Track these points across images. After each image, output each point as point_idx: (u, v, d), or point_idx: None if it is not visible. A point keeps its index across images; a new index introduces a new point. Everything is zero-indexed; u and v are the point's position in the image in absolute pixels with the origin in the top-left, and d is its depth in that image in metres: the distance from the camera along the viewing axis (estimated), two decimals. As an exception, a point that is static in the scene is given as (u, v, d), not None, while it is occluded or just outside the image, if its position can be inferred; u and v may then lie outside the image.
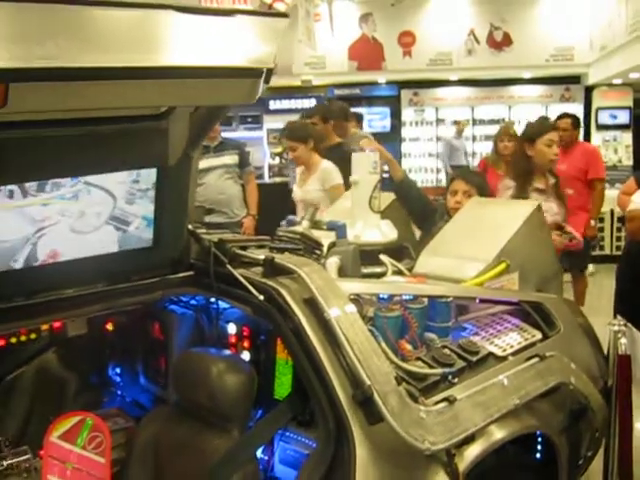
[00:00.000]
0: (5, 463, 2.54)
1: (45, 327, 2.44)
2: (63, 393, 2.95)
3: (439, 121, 14.08)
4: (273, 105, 14.19)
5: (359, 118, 8.74)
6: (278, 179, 13.02)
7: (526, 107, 13.60)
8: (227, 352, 2.53)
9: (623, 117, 12.95)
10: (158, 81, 1.52)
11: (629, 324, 3.05)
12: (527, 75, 13.77)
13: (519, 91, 14.09)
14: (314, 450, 2.14)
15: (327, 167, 5.22)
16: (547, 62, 13.29)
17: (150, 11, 1.47)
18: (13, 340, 2.40)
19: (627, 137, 12.84)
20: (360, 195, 3.27)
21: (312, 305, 2.20)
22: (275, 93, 14.05)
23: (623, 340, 2.96)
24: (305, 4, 9.79)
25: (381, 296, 2.55)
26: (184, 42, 1.56)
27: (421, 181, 13.43)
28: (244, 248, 2.54)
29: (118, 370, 3.16)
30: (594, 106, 13.44)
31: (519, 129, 9.75)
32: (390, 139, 13.70)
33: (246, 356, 2.57)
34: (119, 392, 3.16)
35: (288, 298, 2.21)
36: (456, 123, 13.09)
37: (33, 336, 2.42)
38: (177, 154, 2.07)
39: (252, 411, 2.37)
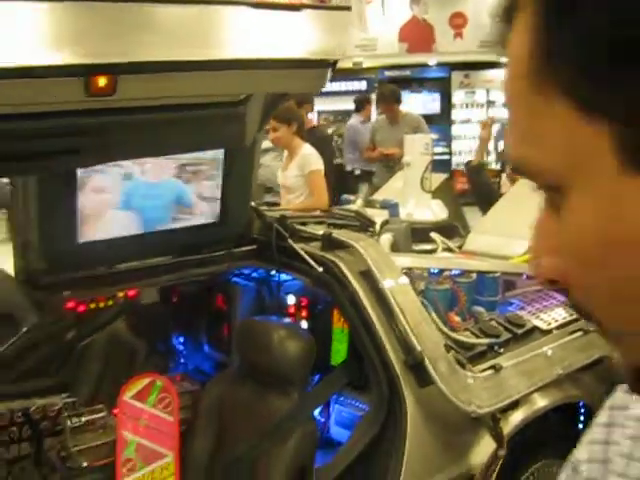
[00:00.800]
0: (83, 419, 2.76)
1: (121, 295, 2.64)
2: (132, 359, 3.14)
3: (490, 103, 14.02)
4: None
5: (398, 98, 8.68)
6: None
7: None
8: (287, 320, 2.71)
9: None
10: (237, 71, 1.71)
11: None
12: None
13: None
14: (368, 411, 2.31)
15: (307, 153, 5.05)
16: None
17: (227, 7, 1.64)
18: (92, 306, 2.60)
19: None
20: (412, 175, 3.43)
21: (367, 277, 2.36)
22: (326, 76, 14.20)
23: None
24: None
25: (431, 270, 2.70)
26: (258, 36, 1.73)
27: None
28: (304, 224, 2.71)
29: (182, 339, 3.36)
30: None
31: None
32: (440, 121, 13.76)
33: (304, 325, 2.74)
34: (182, 360, 3.37)
35: (345, 270, 2.37)
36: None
37: (110, 302, 2.63)
38: (251, 136, 2.25)
39: (310, 376, 2.54)
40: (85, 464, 2.67)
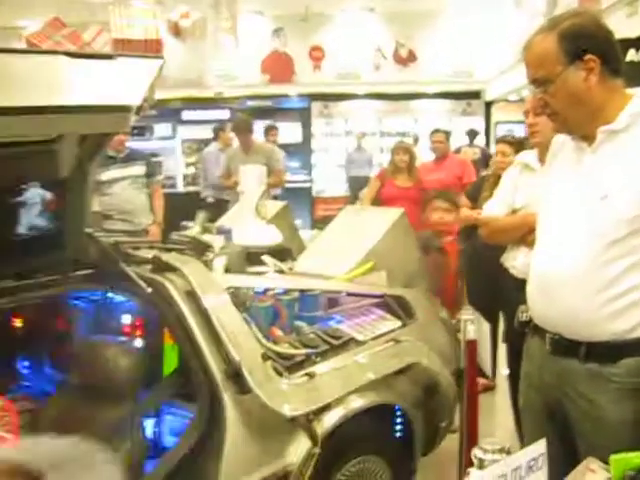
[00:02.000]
0: None
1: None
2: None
3: (348, 133, 14.62)
4: (186, 116, 14.48)
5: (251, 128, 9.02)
6: (192, 188, 13.30)
7: (431, 119, 14.21)
8: (121, 339, 2.89)
9: (518, 131, 13.75)
10: (48, 116, 1.92)
11: (477, 313, 3.55)
12: (431, 90, 14.49)
13: (424, 105, 14.79)
14: (192, 417, 2.53)
15: None
16: (449, 78, 14.05)
17: (43, 56, 1.84)
18: None
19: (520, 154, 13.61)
20: (247, 203, 3.69)
21: (192, 296, 2.59)
22: (188, 104, 14.36)
23: (470, 327, 3.45)
24: (215, 19, 10.20)
25: (256, 289, 2.97)
26: (69, 83, 1.95)
27: (330, 191, 13.92)
28: (136, 249, 2.91)
29: (26, 363, 3.46)
30: (493, 120, 14.28)
31: (422, 140, 10.37)
32: (301, 150, 14.22)
33: (139, 342, 2.93)
34: (26, 384, 3.46)
35: (172, 290, 2.60)
36: (357, 136, 13.53)
37: None
38: (68, 169, 2.45)
39: (144, 388, 2.73)
40: None
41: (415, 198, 6.62)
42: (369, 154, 13.29)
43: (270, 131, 9.83)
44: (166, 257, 2.75)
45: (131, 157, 6.45)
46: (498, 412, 4.76)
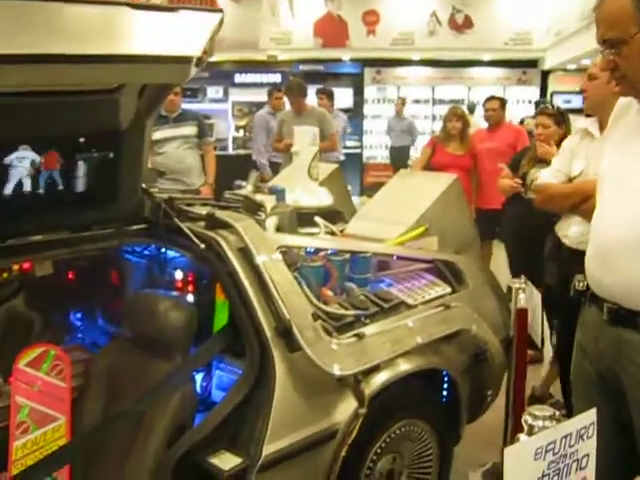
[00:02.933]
0: (-22, 387, 2.92)
1: (16, 267, 2.80)
2: (28, 332, 3.30)
3: (404, 100, 14.44)
4: (239, 78, 14.51)
5: (330, 95, 9.00)
6: (242, 151, 13.35)
7: (485, 88, 13.97)
8: (173, 293, 2.93)
9: (576, 102, 13.46)
10: (112, 65, 1.94)
11: (529, 282, 3.51)
12: (486, 58, 14.25)
13: (478, 73, 14.57)
14: (242, 373, 2.56)
15: None
16: (506, 45, 13.79)
17: (107, 7, 1.86)
18: (-13, 277, 2.76)
19: (579, 121, 13.33)
20: (300, 164, 3.68)
21: (245, 253, 2.61)
22: (241, 67, 14.37)
23: (522, 295, 3.41)
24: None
25: (308, 249, 2.97)
26: (132, 33, 1.96)
27: (380, 157, 13.84)
28: (190, 205, 2.93)
29: (79, 315, 3.53)
30: (550, 90, 13.99)
31: (479, 110, 10.21)
32: (352, 116, 14.13)
33: (190, 298, 2.96)
34: (79, 335, 3.54)
35: (225, 247, 2.61)
36: (395, 103, 13.33)
37: (5, 275, 2.79)
38: (127, 120, 2.47)
39: (194, 343, 2.76)
40: (-21, 427, 2.82)
41: (467, 166, 6.55)
42: (409, 122, 12.98)
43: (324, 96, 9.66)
44: (220, 214, 2.77)
45: (183, 117, 6.50)
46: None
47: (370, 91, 14.67)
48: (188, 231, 2.69)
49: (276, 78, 14.06)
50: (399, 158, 12.50)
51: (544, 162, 4.97)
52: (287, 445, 2.48)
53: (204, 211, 2.82)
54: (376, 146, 14.38)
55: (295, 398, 2.53)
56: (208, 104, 13.99)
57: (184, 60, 2.06)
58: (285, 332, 2.49)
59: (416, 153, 12.37)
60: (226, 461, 2.40)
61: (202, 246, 2.64)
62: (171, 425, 2.50)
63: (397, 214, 3.54)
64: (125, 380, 2.74)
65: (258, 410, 2.46)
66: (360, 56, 14.46)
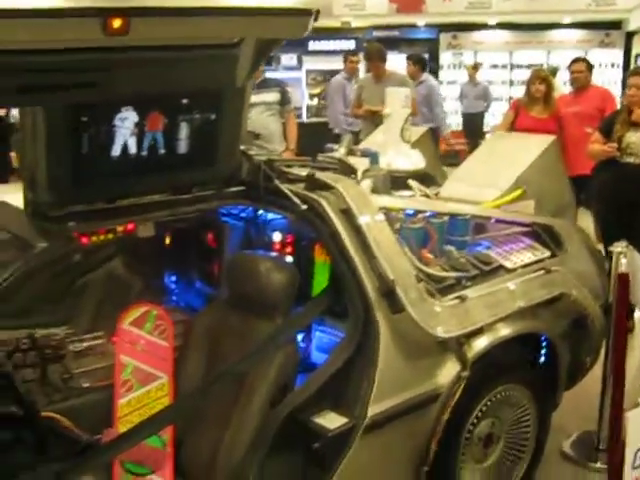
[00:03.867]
0: (85, 344, 3.00)
1: (120, 229, 2.85)
2: (127, 294, 3.36)
3: (478, 65, 14.13)
4: (312, 46, 14.43)
5: (417, 61, 8.78)
6: (315, 119, 13.33)
7: (565, 52, 13.56)
8: (273, 254, 2.94)
9: (663, 64, 12.95)
10: (231, 17, 1.93)
11: (630, 246, 3.40)
12: (566, 20, 13.79)
13: (558, 36, 14.13)
14: (345, 334, 2.55)
15: None
16: (588, 6, 13.27)
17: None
18: (94, 239, 2.80)
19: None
20: (392, 126, 3.64)
21: (347, 214, 2.59)
22: (314, 34, 14.26)
23: (623, 260, 3.31)
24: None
25: (407, 212, 2.93)
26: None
27: (456, 125, 13.59)
28: (289, 167, 2.93)
29: (174, 278, 3.58)
30: (634, 52, 13.47)
31: (560, 74, 9.87)
32: (427, 82, 13.89)
33: (289, 260, 2.97)
34: (174, 297, 3.59)
35: (327, 208, 2.60)
36: (467, 68, 13.00)
37: (110, 236, 2.83)
38: (243, 78, 2.47)
39: (294, 306, 2.77)
40: (86, 385, 2.90)
41: (551, 130, 6.36)
42: (483, 87, 12.62)
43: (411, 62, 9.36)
44: (320, 175, 2.75)
45: (266, 84, 6.52)
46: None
47: (446, 57, 14.42)
48: (289, 192, 2.68)
49: (350, 45, 13.94)
50: (473, 124, 12.29)
51: (639, 125, 4.82)
52: (391, 407, 2.47)
53: (303, 172, 2.80)
54: (451, 113, 14.09)
55: (398, 360, 2.52)
56: (282, 72, 13.97)
57: (305, 13, 2.04)
58: (389, 293, 2.48)
59: (494, 119, 12.15)
60: (331, 420, 2.41)
61: (303, 207, 2.63)
62: (274, 385, 2.51)
63: (493, 177, 3.47)
64: (226, 341, 2.76)
65: (363, 371, 2.46)
66: (435, 21, 14.20)
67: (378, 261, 2.51)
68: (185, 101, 2.56)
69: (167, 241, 3.47)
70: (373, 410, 2.42)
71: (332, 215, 2.58)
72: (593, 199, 5.44)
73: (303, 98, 14.36)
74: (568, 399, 3.36)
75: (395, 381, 2.51)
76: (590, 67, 6.80)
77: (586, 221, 5.90)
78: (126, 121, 2.51)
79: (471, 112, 12.35)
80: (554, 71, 11.90)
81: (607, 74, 12.10)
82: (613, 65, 13.04)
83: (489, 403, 2.85)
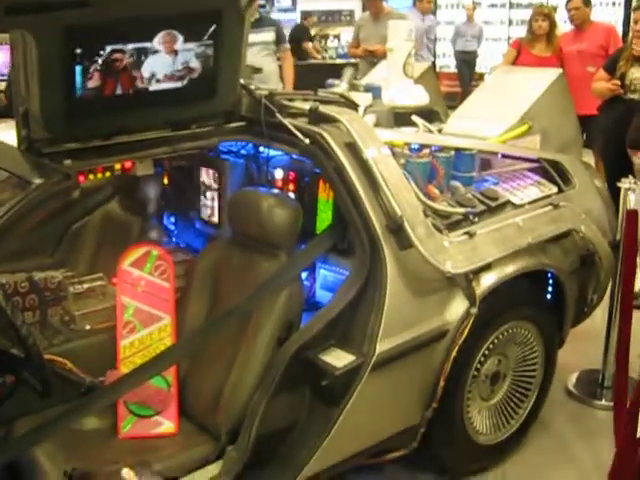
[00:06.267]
0: (85, 286, 2.94)
1: (118, 167, 2.77)
2: (126, 236, 3.29)
3: (476, 4, 13.84)
4: (307, -14, 14.11)
5: None
6: (311, 60, 13.08)
7: (565, -10, 13.23)
8: (275, 190, 2.87)
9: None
10: None
11: (639, 182, 3.33)
12: (567, -44, 13.41)
13: (559, -28, 13.76)
14: (351, 271, 2.50)
15: None
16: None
17: None
18: (91, 177, 2.72)
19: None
20: (395, 61, 3.52)
21: (352, 148, 2.51)
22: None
23: (632, 196, 3.25)
24: None
25: (412, 146, 2.85)
26: None
27: (454, 66, 13.36)
28: (291, 100, 2.83)
29: (173, 218, 3.51)
30: (635, -10, 13.16)
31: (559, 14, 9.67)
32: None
33: (292, 197, 2.90)
34: (174, 238, 3.52)
35: (331, 141, 2.51)
36: (466, 7, 12.84)
37: (108, 174, 2.75)
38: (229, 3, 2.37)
39: (298, 243, 2.71)
40: (88, 327, 2.85)
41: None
42: (479, 27, 12.62)
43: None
44: (324, 108, 2.66)
45: (261, 23, 6.35)
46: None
47: (443, -5, 14.04)
48: (291, 126, 2.59)
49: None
50: (467, 64, 12.20)
51: None
52: (399, 343, 2.43)
53: (306, 106, 2.71)
54: (449, 54, 13.85)
55: (407, 296, 2.47)
56: (276, 14, 13.67)
57: None
58: (396, 229, 2.41)
59: (492, 60, 11.97)
60: (339, 358, 2.38)
61: (307, 141, 2.55)
62: (279, 324, 2.46)
63: (498, 111, 3.38)
64: (228, 279, 2.71)
65: (370, 308, 2.41)
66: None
67: (385, 196, 2.43)
68: (184, 26, 2.45)
69: (166, 180, 3.39)
70: (381, 347, 2.38)
71: (337, 149, 2.50)
72: (597, 137, 5.36)
73: (298, 40, 14.06)
74: (572, 336, 3.34)
75: (403, 318, 2.46)
76: (587, 2, 6.61)
77: (589, 162, 5.85)
78: (121, 52, 2.41)
79: (467, 50, 12.24)
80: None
81: (608, 12, 11.79)
82: (614, 4, 12.72)
83: (496, 340, 2.82)
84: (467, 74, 12.30)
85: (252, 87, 2.83)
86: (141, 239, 3.25)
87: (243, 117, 2.85)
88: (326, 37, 13.91)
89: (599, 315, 3.62)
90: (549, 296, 3.11)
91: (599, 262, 3.16)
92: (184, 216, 3.43)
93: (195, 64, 2.57)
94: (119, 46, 2.34)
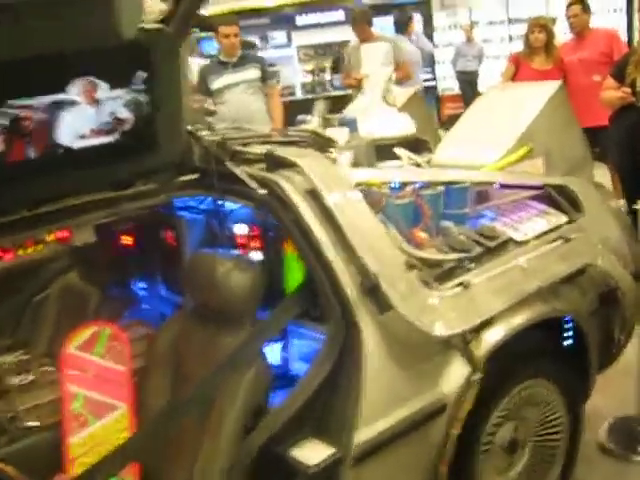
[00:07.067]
0: (30, 377, 2.58)
1: (51, 238, 2.41)
2: (85, 308, 2.94)
3: (473, 24, 13.53)
4: (300, 21, 13.88)
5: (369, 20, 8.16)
6: (311, 95, 12.82)
7: (564, 1, 12.90)
8: (234, 252, 2.48)
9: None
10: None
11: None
12: (565, -34, 13.11)
13: (556, -16, 13.45)
14: (323, 343, 2.09)
15: None
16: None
17: None
18: (21, 252, 2.37)
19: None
20: (373, 88, 3.16)
21: (313, 195, 2.12)
22: (302, 8, 13.73)
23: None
24: None
25: (393, 185, 2.46)
26: None
27: (457, 88, 13.01)
28: (246, 145, 2.45)
29: (141, 284, 3.14)
30: (637, -3, 12.80)
31: (559, 26, 9.35)
32: (422, 47, 13.30)
33: (258, 255, 2.51)
34: (144, 306, 3.15)
35: (288, 190, 2.13)
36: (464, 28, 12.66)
37: (40, 247, 2.40)
38: (133, 29, 1.98)
39: (264, 309, 2.32)
40: (35, 423, 2.49)
41: (556, 82, 5.86)
42: (479, 47, 12.36)
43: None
44: (281, 151, 2.28)
45: (245, 61, 6.04)
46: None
47: (439, 17, 13.73)
48: (244, 175, 2.21)
49: (339, 16, 13.36)
50: (469, 84, 11.93)
51: None
52: (386, 428, 2.01)
53: (263, 150, 2.33)
54: (451, 76, 13.51)
55: (391, 369, 2.05)
56: (272, 51, 13.45)
57: None
58: (372, 289, 2.01)
59: (492, 80, 11.65)
60: (314, 452, 1.96)
61: (262, 191, 2.17)
62: (245, 409, 2.06)
63: (493, 134, 2.98)
64: (191, 358, 2.32)
65: (347, 388, 2.00)
66: (426, -19, 13.55)
67: (355, 250, 2.04)
68: (104, 71, 2.09)
69: (129, 243, 3.02)
70: (363, 435, 1.96)
71: (295, 197, 2.11)
72: (611, 150, 4.95)
73: (296, 75, 13.83)
74: (601, 375, 2.89)
75: (389, 396, 2.04)
76: (586, 9, 6.25)
77: (603, 176, 5.45)
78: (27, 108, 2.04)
79: (467, 70, 12.00)
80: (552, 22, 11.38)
81: (609, 19, 11.42)
82: (615, 10, 12.35)
83: (509, 406, 2.39)
84: (470, 94, 11.96)
85: (202, 134, 2.46)
86: (101, 311, 2.91)
87: (196, 168, 2.47)
88: (323, 70, 13.64)
89: (631, 348, 3.16)
90: (568, 344, 2.68)
91: (622, 297, 2.73)
92: (150, 281, 3.07)
93: (125, 114, 2.21)
94: (23, 101, 1.98)
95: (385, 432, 2.00)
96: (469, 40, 12.33)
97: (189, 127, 2.44)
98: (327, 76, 13.67)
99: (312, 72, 13.78)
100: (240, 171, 2.25)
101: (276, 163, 2.24)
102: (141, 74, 2.16)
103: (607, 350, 2.85)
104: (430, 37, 13.50)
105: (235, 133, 2.61)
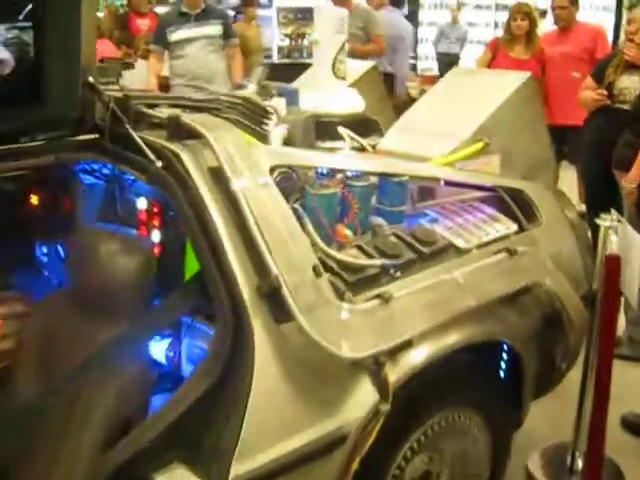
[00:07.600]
0: None
1: None
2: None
3: (461, 5, 13.16)
4: (283, -18, 13.38)
5: None
6: (287, 60, 12.36)
7: (554, -8, 12.58)
8: (128, 230, 2.13)
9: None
10: None
11: (623, 219, 2.62)
12: (558, -43, 12.77)
13: (548, -26, 13.12)
14: (209, 348, 1.76)
15: None
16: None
17: None
18: None
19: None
20: (322, 57, 2.81)
21: (217, 175, 1.78)
22: (286, -31, 13.23)
23: (614, 238, 2.53)
24: None
25: (320, 170, 2.12)
26: None
27: (437, 69, 12.67)
28: (153, 106, 2.10)
29: (45, 249, 2.79)
30: (628, -6, 12.53)
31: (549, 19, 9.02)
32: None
33: (156, 236, 2.17)
34: (46, 274, 2.80)
35: (189, 165, 1.79)
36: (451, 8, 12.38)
37: None
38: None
39: (156, 299, 2.00)
40: None
41: (534, 73, 5.52)
42: (464, 30, 12.08)
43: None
44: (189, 118, 1.92)
45: (207, 15, 5.66)
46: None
47: (426, -5, 13.34)
48: (141, 142, 1.86)
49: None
50: (449, 66, 11.60)
51: (635, 68, 4.07)
52: (271, 459, 1.69)
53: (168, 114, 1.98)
54: (432, 57, 13.15)
55: (284, 389, 1.73)
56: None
57: None
58: (270, 293, 1.68)
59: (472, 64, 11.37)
60: None
61: (158, 164, 1.82)
62: (109, 420, 1.74)
63: (448, 124, 2.66)
64: (61, 350, 1.98)
65: (226, 406, 1.68)
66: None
67: (258, 245, 1.71)
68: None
69: (35, 200, 2.66)
70: (241, 467, 1.64)
71: (195, 175, 1.77)
72: (579, 154, 4.68)
73: (274, 38, 13.34)
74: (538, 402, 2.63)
75: (279, 421, 1.72)
76: (574, 1, 5.94)
77: (570, 177, 5.20)
78: None
79: (450, 52, 11.71)
80: (542, 14, 11.09)
81: (597, 17, 11.11)
82: (605, 8, 12.05)
83: (423, 437, 2.09)
84: (448, 76, 11.71)
85: (104, 88, 2.09)
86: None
87: (97, 127, 2.11)
88: (302, 36, 13.17)
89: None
90: (501, 370, 2.39)
91: (568, 322, 2.44)
92: (53, 247, 2.71)
93: (3, 54, 1.84)
94: None
95: (268, 465, 1.68)
96: (454, 21, 12.05)
97: (91, 78, 2.07)
98: (306, 42, 13.23)
99: (290, 36, 13.30)
100: (138, 136, 1.89)
101: (180, 131, 1.89)
102: (26, 5, 1.80)
103: (547, 378, 2.57)
104: (415, 15, 13.12)
105: (144, 93, 2.25)
